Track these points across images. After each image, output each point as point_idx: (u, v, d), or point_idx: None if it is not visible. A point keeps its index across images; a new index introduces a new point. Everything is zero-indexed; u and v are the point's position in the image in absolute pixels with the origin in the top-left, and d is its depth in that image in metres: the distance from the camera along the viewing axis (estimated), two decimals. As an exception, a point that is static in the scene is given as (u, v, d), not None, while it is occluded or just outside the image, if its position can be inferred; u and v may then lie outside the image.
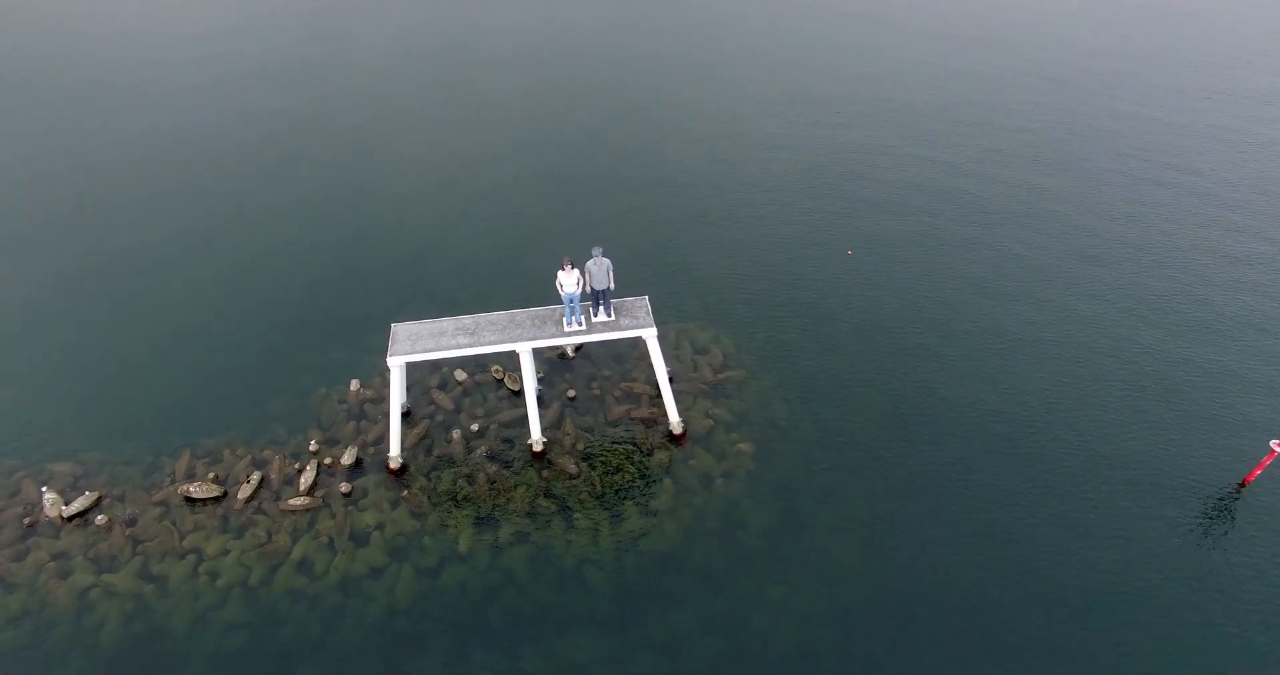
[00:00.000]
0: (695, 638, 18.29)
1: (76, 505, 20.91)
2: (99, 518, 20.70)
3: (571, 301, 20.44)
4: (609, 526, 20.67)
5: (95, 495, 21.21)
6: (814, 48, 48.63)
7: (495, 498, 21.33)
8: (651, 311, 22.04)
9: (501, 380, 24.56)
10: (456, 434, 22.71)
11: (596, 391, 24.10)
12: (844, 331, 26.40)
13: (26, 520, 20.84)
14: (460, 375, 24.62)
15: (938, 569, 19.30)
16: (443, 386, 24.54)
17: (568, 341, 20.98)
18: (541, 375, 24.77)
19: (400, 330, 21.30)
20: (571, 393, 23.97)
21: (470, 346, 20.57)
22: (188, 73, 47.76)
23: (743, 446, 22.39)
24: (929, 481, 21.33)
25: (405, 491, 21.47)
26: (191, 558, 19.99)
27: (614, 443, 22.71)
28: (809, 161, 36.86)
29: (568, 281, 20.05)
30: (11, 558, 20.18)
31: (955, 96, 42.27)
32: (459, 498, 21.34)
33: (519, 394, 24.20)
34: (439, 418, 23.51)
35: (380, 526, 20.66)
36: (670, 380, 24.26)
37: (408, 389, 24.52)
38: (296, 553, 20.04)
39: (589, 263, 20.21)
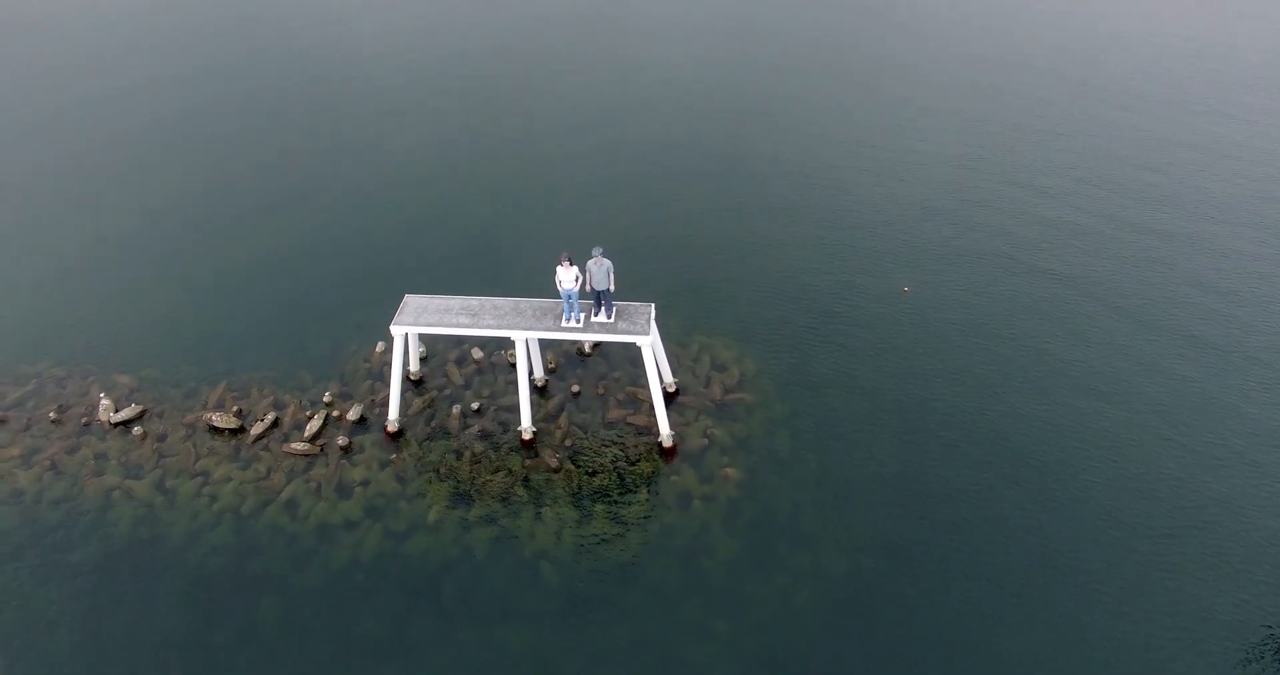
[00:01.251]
0: (627, 654, 17.95)
1: (123, 414, 23.51)
2: (136, 429, 23.19)
3: (569, 298, 20.44)
4: (574, 526, 20.64)
5: (140, 408, 23.75)
6: (938, 58, 45.49)
7: (475, 477, 21.85)
8: (654, 319, 21.62)
9: (514, 365, 25.03)
10: (456, 409, 23.44)
11: (601, 391, 24.04)
12: (878, 373, 24.72)
13: (84, 420, 23.69)
14: (477, 354, 25.35)
15: (911, 643, 17.70)
16: (460, 362, 25.37)
17: (561, 336, 21.05)
18: (553, 366, 25.01)
19: (410, 302, 22.21)
20: (576, 388, 24.05)
21: (469, 327, 21.13)
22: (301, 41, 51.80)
23: (730, 472, 21.60)
24: (925, 548, 19.58)
25: (395, 455, 22.45)
26: (199, 479, 21.97)
27: (603, 445, 22.59)
28: (898, 177, 34.66)
29: (565, 277, 20.07)
30: (65, 450, 23.03)
31: (1083, 123, 38.22)
32: (442, 471, 22.05)
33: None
34: (447, 391, 24.35)
35: (365, 483, 21.74)
36: (676, 393, 23.79)
37: (427, 358, 25.55)
38: (287, 493, 21.51)
39: (589, 262, 20.11)
